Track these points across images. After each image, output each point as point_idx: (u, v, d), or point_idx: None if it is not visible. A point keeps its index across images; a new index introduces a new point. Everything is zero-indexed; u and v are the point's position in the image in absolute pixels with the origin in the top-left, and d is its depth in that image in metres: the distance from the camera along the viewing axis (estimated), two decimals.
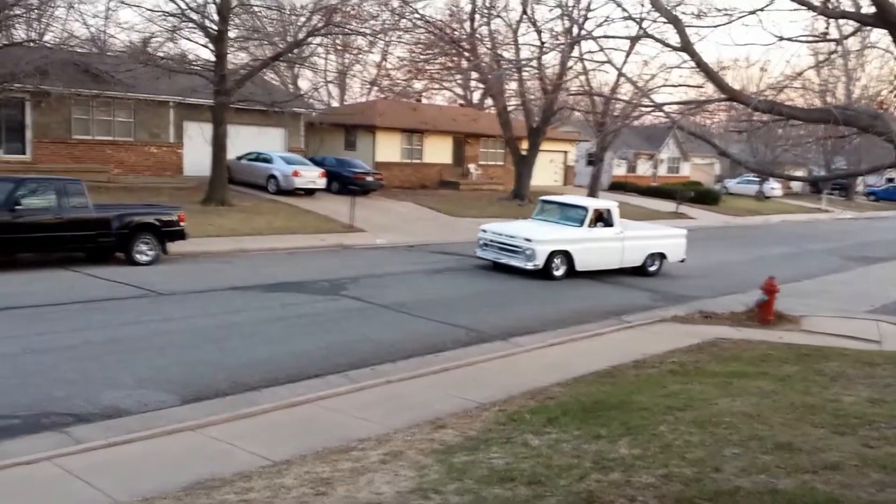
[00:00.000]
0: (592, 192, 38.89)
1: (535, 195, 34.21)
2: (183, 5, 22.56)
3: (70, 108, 26.03)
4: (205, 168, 25.51)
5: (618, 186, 45.15)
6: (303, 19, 24.84)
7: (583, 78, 32.57)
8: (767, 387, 8.45)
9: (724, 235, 30.95)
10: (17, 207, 13.83)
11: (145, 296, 12.70)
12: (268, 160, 28.74)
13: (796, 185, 59.27)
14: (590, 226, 17.21)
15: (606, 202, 18.60)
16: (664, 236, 19.44)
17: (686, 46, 7.33)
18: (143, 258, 15.30)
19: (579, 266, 16.87)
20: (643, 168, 52.47)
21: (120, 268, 14.73)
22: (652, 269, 18.40)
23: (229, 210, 23.22)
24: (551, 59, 31.31)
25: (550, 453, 6.17)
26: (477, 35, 32.39)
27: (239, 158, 28.61)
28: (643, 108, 12.27)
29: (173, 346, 9.84)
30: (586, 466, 5.80)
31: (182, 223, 16.13)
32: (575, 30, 28.11)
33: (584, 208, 17.51)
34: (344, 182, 29.50)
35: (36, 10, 20.60)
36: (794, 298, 14.94)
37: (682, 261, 18.91)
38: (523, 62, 29.61)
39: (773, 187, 53.22)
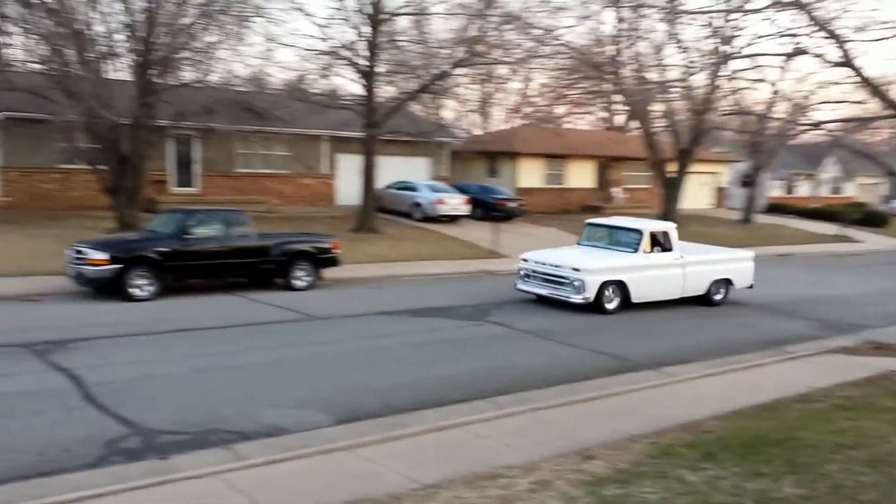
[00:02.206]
0: (747, 215, 37.12)
1: (684, 219, 33.14)
2: (335, 44, 23.76)
3: (233, 144, 27.96)
4: (355, 197, 26.60)
5: (775, 209, 42.88)
6: (447, 52, 25.52)
7: (734, 97, 31.28)
8: None
9: (893, 260, 28.55)
10: (188, 236, 14.97)
11: (302, 320, 13.33)
12: (413, 188, 29.56)
13: None
14: (646, 251, 15.47)
15: (663, 224, 16.80)
16: (729, 260, 17.35)
17: (847, 61, 6.91)
18: (300, 284, 16.10)
19: (635, 297, 15.16)
20: (803, 189, 49.52)
21: (279, 293, 15.56)
22: (717, 297, 16.57)
23: (378, 237, 24.01)
24: (699, 79, 30.30)
25: (708, 490, 5.87)
26: (620, 58, 31.92)
27: (386, 187, 29.61)
28: (801, 127, 11.61)
29: (328, 368, 10.25)
30: None
31: (336, 250, 16.87)
32: (724, 48, 27.09)
33: (639, 231, 15.66)
34: (487, 208, 29.81)
35: (202, 53, 22.31)
36: None
37: (751, 287, 17.09)
38: (669, 83, 28.84)
39: None
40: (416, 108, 31.39)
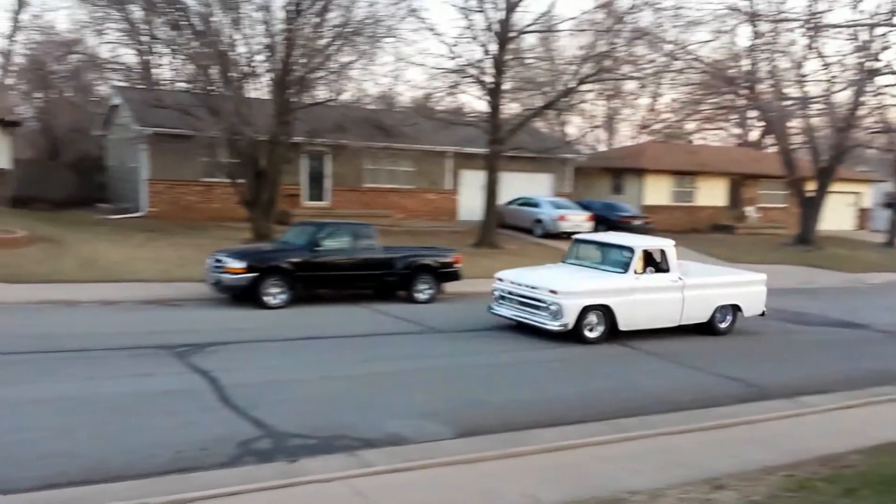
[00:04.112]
0: (891, 238, 34.69)
1: (823, 240, 31.32)
2: (463, 62, 24.13)
3: (361, 160, 28.87)
4: (477, 213, 26.81)
5: None
6: (573, 68, 25.36)
7: (879, 113, 29.33)
8: None
9: None
10: (318, 248, 15.55)
11: (423, 332, 13.52)
12: (535, 205, 29.48)
13: None
14: (637, 272, 13.51)
15: (660, 241, 14.77)
16: (737, 283, 15.23)
17: None
18: (422, 296, 16.36)
19: (623, 324, 13.23)
20: None
21: (401, 305, 15.86)
22: (723, 325, 14.60)
23: (498, 252, 24.06)
24: (843, 95, 28.62)
25: None
26: (757, 73, 30.65)
27: (508, 203, 29.66)
28: None
29: (447, 381, 10.35)
30: None
31: (457, 265, 17.04)
32: (870, 63, 25.49)
33: (630, 249, 13.67)
34: (610, 226, 29.23)
35: (336, 73, 23.22)
36: None
37: (762, 314, 15.11)
38: (810, 99, 27.39)
39: None
40: (540, 124, 31.34)
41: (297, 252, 15.39)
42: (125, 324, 12.95)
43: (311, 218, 21.53)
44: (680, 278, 13.94)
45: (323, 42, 22.03)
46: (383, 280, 16.20)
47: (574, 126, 40.75)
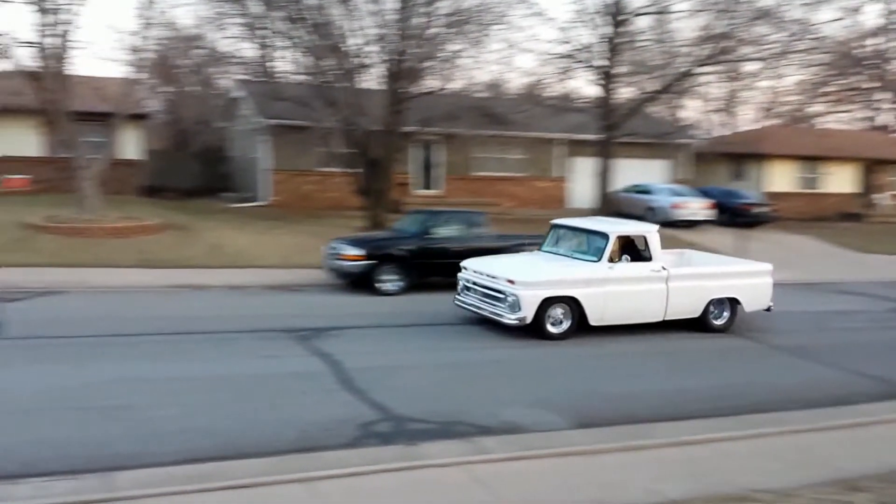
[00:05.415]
0: None
1: None
2: (574, 47, 23.75)
3: (471, 148, 28.93)
4: (588, 201, 26.40)
5: None
6: (690, 49, 24.50)
7: None
8: None
9: None
10: (431, 236, 15.74)
11: None
12: (648, 192, 28.69)
13: None
14: (611, 259, 12.15)
15: (641, 225, 13.30)
16: (737, 274, 13.46)
17: None
18: None
19: (594, 319, 11.86)
20: None
21: None
22: (718, 322, 12.96)
23: None
24: None
25: None
26: (887, 52, 28.67)
27: (621, 191, 29.03)
28: None
29: (563, 371, 10.27)
30: None
31: None
32: None
33: (603, 235, 12.24)
34: (731, 213, 28.15)
35: (447, 62, 23.36)
36: None
37: (769, 309, 13.50)
38: None
39: None
40: (655, 108, 30.48)
41: (410, 240, 15.62)
42: (250, 307, 13.57)
43: (422, 206, 21.79)
44: (664, 268, 12.42)
45: (433, 31, 22.19)
46: None
47: (691, 110, 39.45)
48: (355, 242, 15.36)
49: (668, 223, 27.02)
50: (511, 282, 11.60)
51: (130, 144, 26.56)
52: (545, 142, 30.27)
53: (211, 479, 6.12)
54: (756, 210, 28.76)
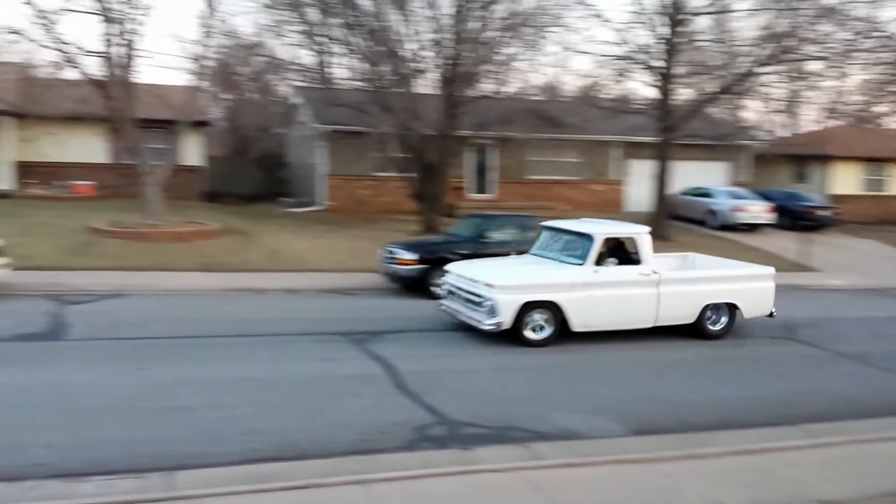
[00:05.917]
0: None
1: None
2: (631, 48, 23.46)
3: (526, 151, 28.84)
4: (645, 204, 26.02)
5: None
6: (750, 49, 23.95)
7: None
8: None
9: None
10: (485, 240, 15.74)
11: None
12: (708, 195, 28.18)
13: None
14: (597, 262, 11.63)
15: (629, 227, 12.69)
16: (736, 277, 12.84)
17: None
18: None
19: (577, 325, 11.40)
20: None
21: None
22: (715, 328, 12.43)
23: (669, 245, 23.19)
24: None
25: None
26: None
27: (680, 193, 28.56)
28: None
29: (621, 377, 10.16)
30: None
31: None
32: None
33: (589, 237, 11.79)
34: (792, 216, 27.44)
35: (502, 66, 23.33)
36: None
37: (771, 315, 12.87)
38: None
39: None
40: (714, 110, 29.90)
41: (464, 244, 15.65)
42: (307, 311, 13.76)
43: (477, 210, 21.80)
44: (654, 272, 11.92)
45: (489, 34, 22.20)
46: None
47: (752, 111, 38.52)
48: (410, 246, 15.47)
49: (729, 227, 26.55)
50: (489, 286, 11.21)
51: (192, 151, 27.28)
52: (601, 144, 29.99)
53: (269, 480, 6.23)
54: (819, 213, 27.99)
